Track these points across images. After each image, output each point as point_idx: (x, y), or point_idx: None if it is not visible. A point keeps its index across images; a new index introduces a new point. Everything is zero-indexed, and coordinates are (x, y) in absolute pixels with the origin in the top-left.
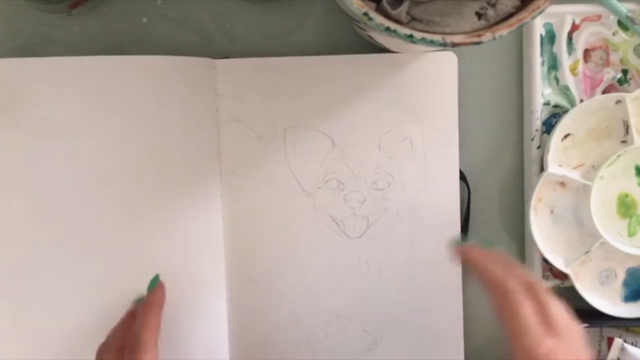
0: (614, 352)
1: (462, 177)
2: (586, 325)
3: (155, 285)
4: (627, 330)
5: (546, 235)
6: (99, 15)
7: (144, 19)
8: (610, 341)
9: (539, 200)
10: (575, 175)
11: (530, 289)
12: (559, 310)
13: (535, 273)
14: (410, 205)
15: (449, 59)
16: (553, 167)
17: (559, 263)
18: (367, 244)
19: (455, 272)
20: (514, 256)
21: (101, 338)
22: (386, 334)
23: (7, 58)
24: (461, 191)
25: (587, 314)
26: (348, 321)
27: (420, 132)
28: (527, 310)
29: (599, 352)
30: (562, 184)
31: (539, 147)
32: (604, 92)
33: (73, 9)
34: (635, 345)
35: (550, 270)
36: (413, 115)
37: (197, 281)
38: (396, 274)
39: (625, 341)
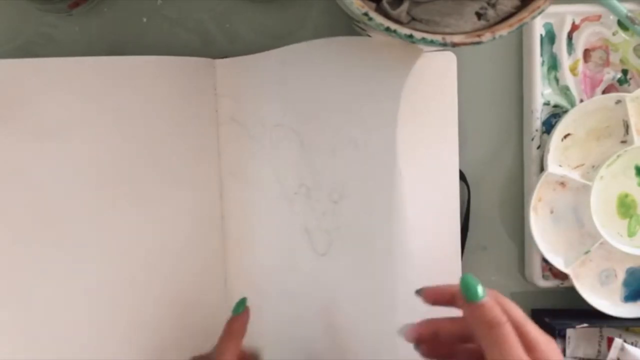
0: (614, 352)
1: (462, 177)
2: (586, 325)
3: (242, 310)
4: (627, 330)
5: (546, 235)
6: (99, 15)
7: (144, 19)
8: (610, 341)
9: (539, 200)
10: (575, 175)
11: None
12: (536, 329)
13: (535, 273)
14: (410, 206)
15: (448, 59)
16: (553, 167)
17: (558, 263)
18: (366, 246)
19: (455, 272)
20: (513, 256)
21: (101, 338)
22: (387, 335)
23: (7, 58)
24: (461, 191)
25: (587, 314)
26: (348, 321)
27: (420, 132)
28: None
29: (599, 352)
30: (562, 184)
31: (539, 147)
32: (604, 92)
33: (73, 9)
34: (635, 345)
35: (550, 270)
36: (412, 115)
37: (196, 282)
38: (396, 274)
39: (625, 341)
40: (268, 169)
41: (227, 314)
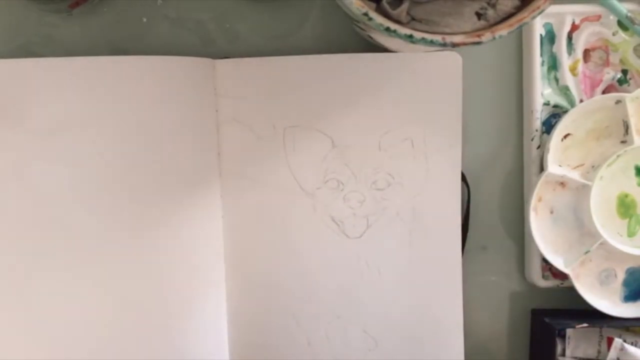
0: (613, 352)
1: (462, 177)
2: (586, 325)
3: None
4: (627, 330)
5: (546, 236)
6: (99, 15)
7: (144, 19)
8: (610, 341)
9: (539, 200)
10: (575, 175)
11: None
12: None
13: (535, 273)
14: (411, 206)
15: (454, 59)
16: (553, 167)
17: (558, 263)
18: (367, 244)
19: (455, 272)
20: (513, 256)
21: (100, 340)
22: (386, 335)
23: (8, 58)
24: (461, 191)
25: (587, 314)
26: (348, 322)
27: (422, 132)
28: None
29: (599, 352)
30: (562, 184)
31: (538, 147)
32: (604, 92)
33: (73, 9)
34: (635, 345)
35: (550, 270)
36: (414, 115)
37: (196, 281)
38: (396, 274)
39: (625, 341)
40: (281, 168)
41: (227, 312)
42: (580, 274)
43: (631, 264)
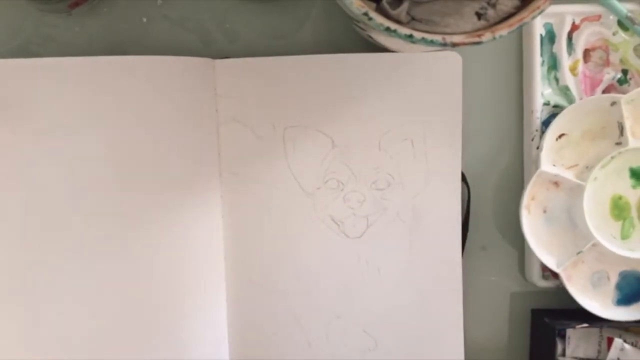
0: (613, 352)
1: (462, 177)
2: (586, 325)
3: None
4: (627, 330)
5: (539, 235)
6: (99, 15)
7: (144, 19)
8: (610, 341)
9: (532, 199)
10: (569, 175)
11: None
12: None
13: (535, 273)
14: (411, 206)
15: (454, 59)
16: (546, 165)
17: (551, 263)
18: (367, 244)
19: (455, 272)
20: (513, 256)
21: (100, 340)
22: (386, 334)
23: (7, 58)
24: (461, 191)
25: (587, 314)
26: (348, 322)
27: (422, 132)
28: None
29: (599, 352)
30: (556, 183)
31: (538, 147)
32: (604, 92)
33: (73, 8)
34: (635, 346)
35: (550, 270)
36: (414, 115)
37: (196, 281)
38: (396, 274)
39: (625, 341)
40: (281, 168)
41: (227, 312)
42: (572, 275)
43: (624, 267)
